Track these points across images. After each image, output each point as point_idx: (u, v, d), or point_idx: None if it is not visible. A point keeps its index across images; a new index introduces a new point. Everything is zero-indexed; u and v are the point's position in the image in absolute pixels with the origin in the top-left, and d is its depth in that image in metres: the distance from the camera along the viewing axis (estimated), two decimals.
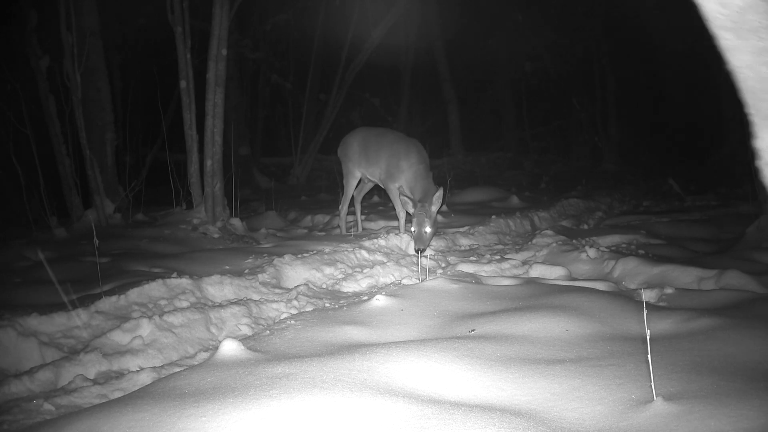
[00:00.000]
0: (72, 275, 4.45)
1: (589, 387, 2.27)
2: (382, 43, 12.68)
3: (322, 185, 11.81)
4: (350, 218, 6.81)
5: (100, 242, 4.22)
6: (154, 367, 3.01)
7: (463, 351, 2.61)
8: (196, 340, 3.40)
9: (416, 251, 5.09)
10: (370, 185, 6.56)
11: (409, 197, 5.29)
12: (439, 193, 5.23)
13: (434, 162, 10.88)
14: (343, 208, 6.44)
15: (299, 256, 4.92)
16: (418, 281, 4.05)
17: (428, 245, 5.20)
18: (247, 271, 4.64)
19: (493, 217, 6.90)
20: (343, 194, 6.44)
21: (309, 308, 3.89)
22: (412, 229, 5.18)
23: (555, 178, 13.16)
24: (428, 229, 5.10)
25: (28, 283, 4.36)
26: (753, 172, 1.26)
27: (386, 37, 12.72)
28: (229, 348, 2.64)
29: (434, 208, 5.21)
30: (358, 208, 6.65)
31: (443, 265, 5.06)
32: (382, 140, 6.05)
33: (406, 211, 5.42)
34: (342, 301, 4.07)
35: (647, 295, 3.66)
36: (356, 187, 6.46)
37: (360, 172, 6.24)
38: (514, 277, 4.46)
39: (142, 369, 2.98)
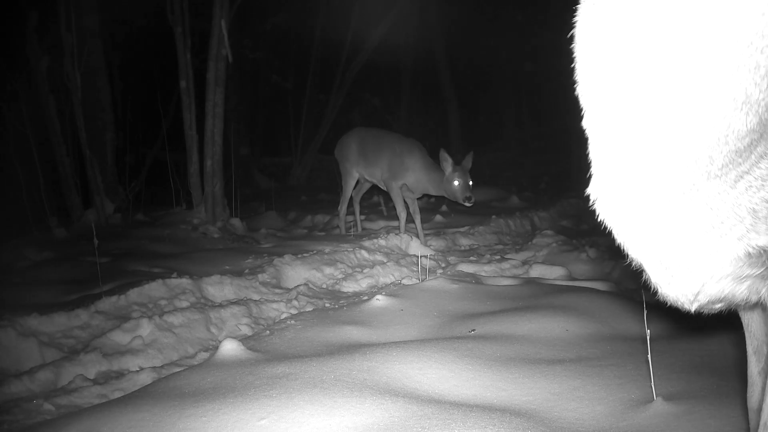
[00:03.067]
0: (72, 275, 4.45)
1: (589, 387, 2.27)
2: (382, 43, 12.67)
3: (322, 185, 11.80)
4: (350, 218, 6.82)
5: (100, 242, 4.22)
6: (154, 367, 3.01)
7: (463, 351, 2.61)
8: (196, 340, 3.40)
9: (467, 199, 5.48)
10: (368, 185, 6.57)
11: (448, 156, 5.54)
12: (470, 155, 5.65)
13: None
14: (342, 208, 6.45)
15: (299, 256, 4.92)
16: (418, 281, 4.05)
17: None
18: (247, 271, 4.64)
19: (493, 217, 6.91)
20: (342, 194, 6.46)
21: (309, 308, 3.89)
22: (456, 183, 5.48)
23: (555, 178, 13.15)
24: (471, 182, 5.58)
25: (28, 283, 4.36)
26: None
27: (386, 37, 12.70)
28: (229, 348, 2.64)
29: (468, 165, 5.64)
30: (357, 208, 6.66)
31: (443, 265, 5.06)
32: (381, 141, 6.07)
33: (448, 168, 5.64)
34: (342, 301, 4.06)
35: (647, 295, 3.65)
36: (355, 187, 6.47)
37: (358, 172, 6.25)
38: (514, 277, 4.46)
39: (142, 369, 2.98)
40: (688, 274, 1.18)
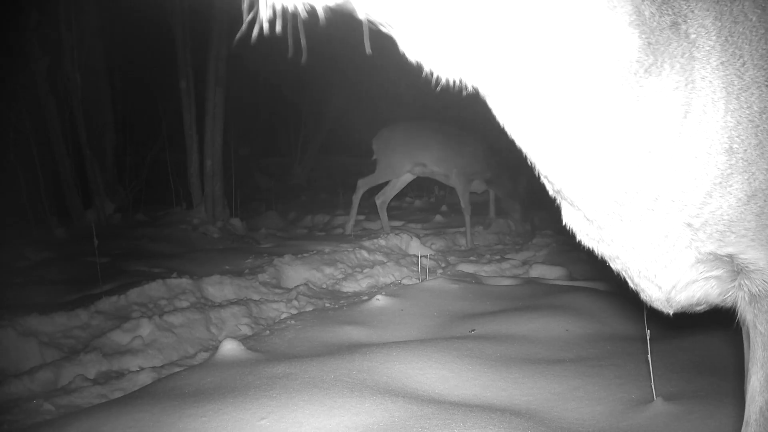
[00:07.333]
0: (72, 275, 4.45)
1: (589, 387, 2.27)
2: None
3: (322, 185, 11.79)
4: (345, 218, 6.77)
5: (100, 242, 4.22)
6: (154, 367, 3.01)
7: (463, 351, 2.61)
8: (196, 340, 3.40)
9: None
10: (401, 187, 6.53)
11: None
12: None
13: None
14: (378, 199, 6.37)
15: (299, 256, 4.92)
16: (418, 281, 4.05)
17: None
18: (247, 271, 4.64)
19: (494, 217, 6.91)
20: (378, 188, 6.38)
21: (309, 308, 3.89)
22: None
23: None
24: None
25: (28, 283, 4.36)
26: None
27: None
28: (229, 348, 2.64)
29: None
30: (383, 210, 6.39)
31: (443, 265, 5.05)
32: (448, 135, 6.11)
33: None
34: (342, 301, 4.07)
35: None
36: (387, 184, 6.35)
37: (411, 164, 6.14)
38: (514, 277, 4.46)
39: (142, 369, 2.98)
40: (653, 284, 1.34)
